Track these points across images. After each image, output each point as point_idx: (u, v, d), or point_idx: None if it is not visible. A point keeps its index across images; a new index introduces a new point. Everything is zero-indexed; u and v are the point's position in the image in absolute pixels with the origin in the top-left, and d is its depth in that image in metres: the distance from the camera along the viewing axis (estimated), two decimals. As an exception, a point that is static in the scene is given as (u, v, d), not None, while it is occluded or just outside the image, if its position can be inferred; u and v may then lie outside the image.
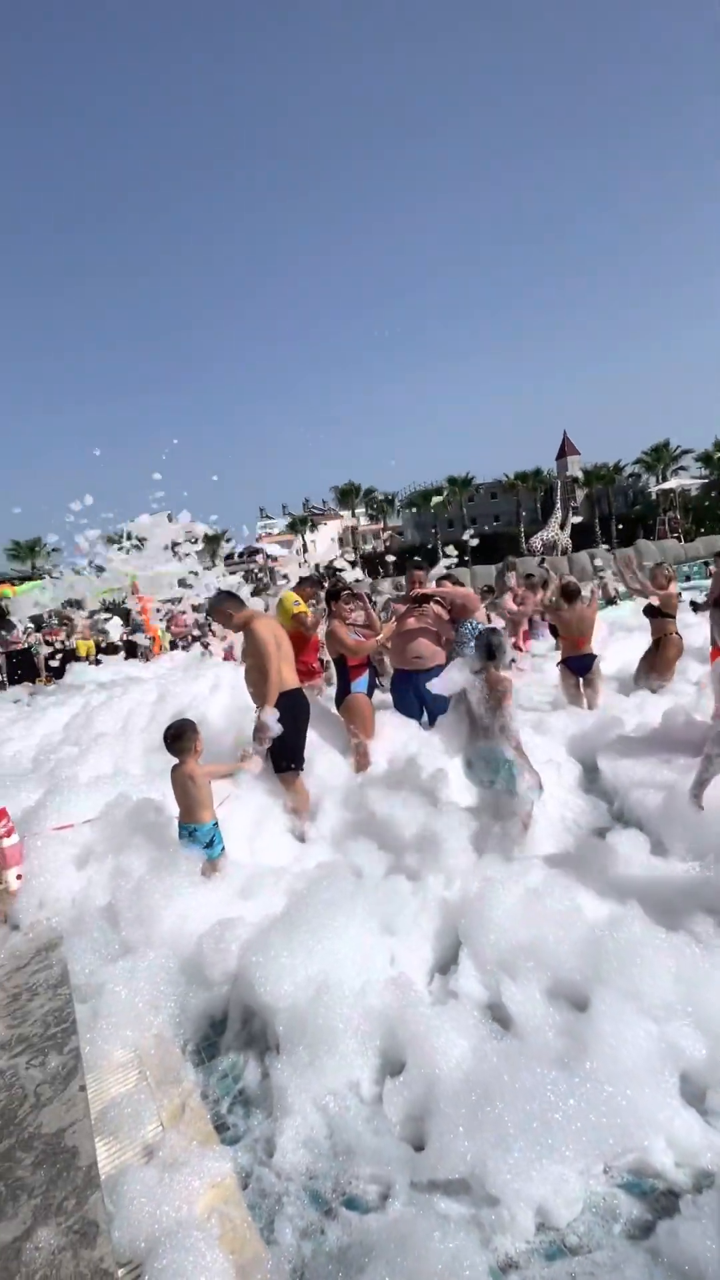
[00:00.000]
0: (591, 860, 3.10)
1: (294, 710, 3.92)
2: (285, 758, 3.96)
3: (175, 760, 3.38)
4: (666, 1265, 1.51)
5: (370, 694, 4.67)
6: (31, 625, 13.67)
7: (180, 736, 3.35)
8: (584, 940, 2.39)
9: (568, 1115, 1.76)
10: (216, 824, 3.38)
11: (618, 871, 2.99)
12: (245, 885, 3.19)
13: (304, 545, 59.29)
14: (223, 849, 3.37)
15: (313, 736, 4.30)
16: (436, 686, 3.79)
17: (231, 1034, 2.41)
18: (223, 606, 3.98)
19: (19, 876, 3.38)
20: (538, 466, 56.99)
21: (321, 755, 4.43)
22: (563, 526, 27.45)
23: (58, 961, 2.79)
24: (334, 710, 4.84)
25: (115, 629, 13.37)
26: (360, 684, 4.59)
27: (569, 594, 6.01)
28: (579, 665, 5.92)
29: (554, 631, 6.80)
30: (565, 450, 56.60)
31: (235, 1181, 1.79)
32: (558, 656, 6.39)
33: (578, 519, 30.38)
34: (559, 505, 29.77)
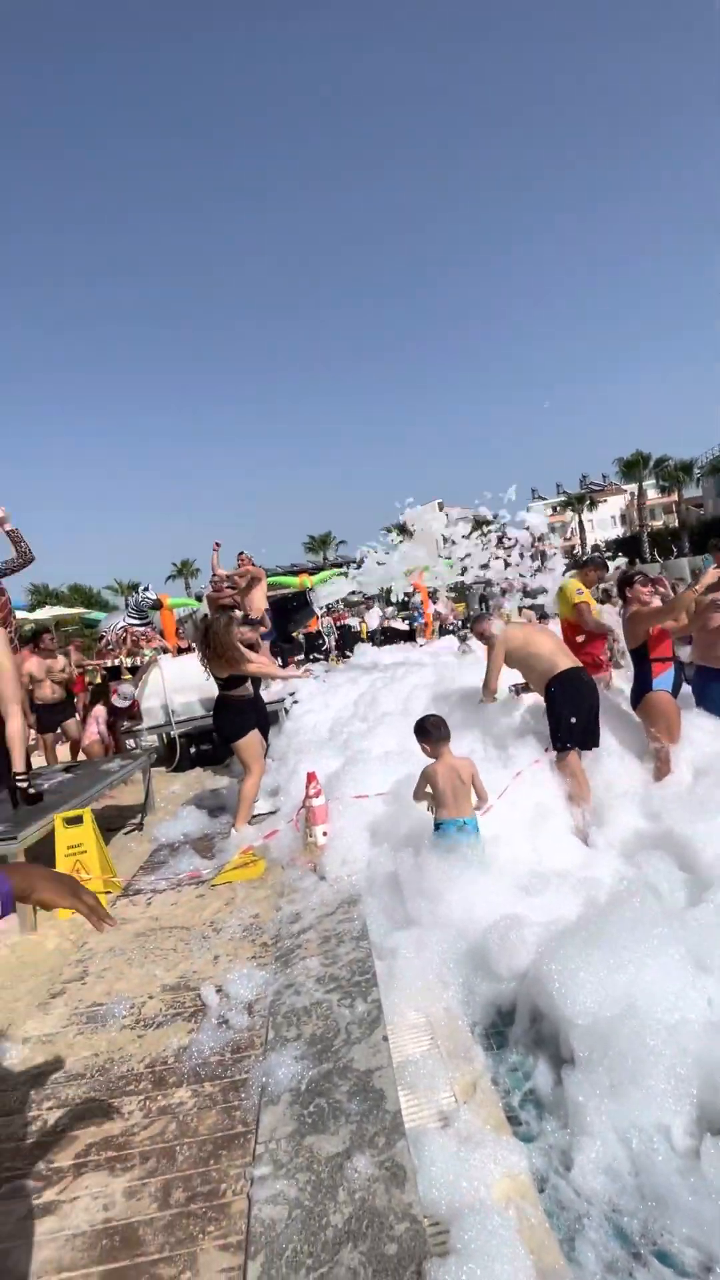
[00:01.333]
0: None
1: (563, 690, 4.17)
2: (555, 737, 4.16)
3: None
4: None
5: (676, 692, 4.13)
6: (324, 609, 15.57)
7: (441, 726, 3.43)
8: None
9: None
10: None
11: None
12: (528, 883, 3.14)
13: (579, 525, 55.75)
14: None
15: (605, 738, 4.03)
16: None
17: (520, 1029, 2.40)
18: (478, 625, 4.90)
19: (325, 833, 3.86)
20: None
21: (613, 758, 4.12)
22: None
23: (358, 916, 3.11)
24: (628, 709, 4.43)
25: (374, 618, 14.43)
26: (664, 680, 4.09)
27: None
28: None
29: None
30: None
31: (530, 1181, 1.77)
32: None
33: None
34: None
